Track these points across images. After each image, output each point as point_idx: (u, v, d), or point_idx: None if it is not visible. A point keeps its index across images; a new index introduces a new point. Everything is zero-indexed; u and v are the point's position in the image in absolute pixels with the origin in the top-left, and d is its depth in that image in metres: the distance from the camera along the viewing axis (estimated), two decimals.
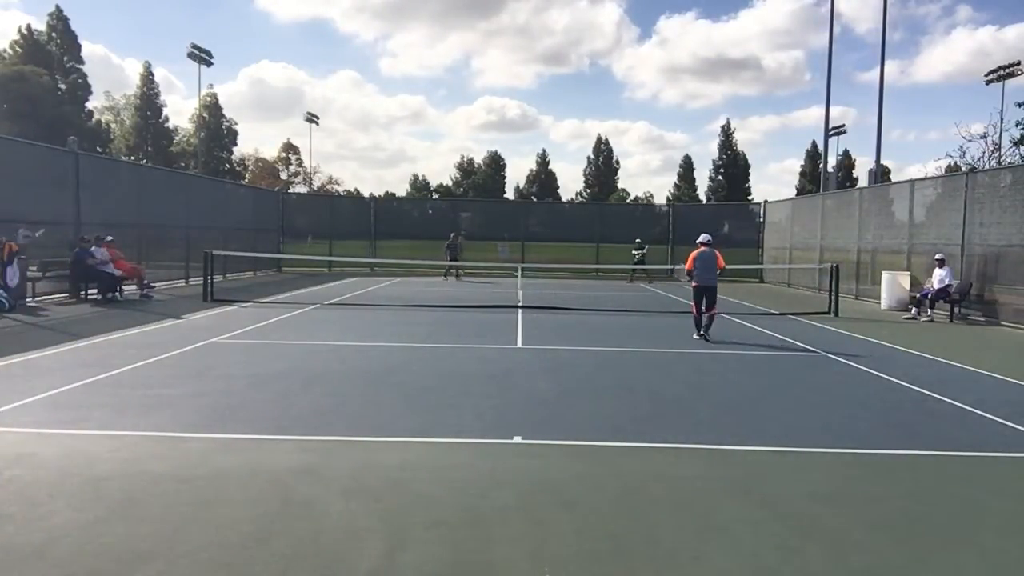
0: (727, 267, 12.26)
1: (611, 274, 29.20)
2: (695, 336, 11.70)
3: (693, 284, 11.89)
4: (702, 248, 11.88)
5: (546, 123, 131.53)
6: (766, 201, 30.98)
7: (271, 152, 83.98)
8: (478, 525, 4.11)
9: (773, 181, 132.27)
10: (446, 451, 5.52)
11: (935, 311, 15.71)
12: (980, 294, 15.54)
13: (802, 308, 17.10)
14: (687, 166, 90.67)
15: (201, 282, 16.78)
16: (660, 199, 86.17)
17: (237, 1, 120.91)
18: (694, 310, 11.85)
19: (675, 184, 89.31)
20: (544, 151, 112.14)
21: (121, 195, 18.83)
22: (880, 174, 30.91)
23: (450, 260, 25.72)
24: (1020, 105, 31.14)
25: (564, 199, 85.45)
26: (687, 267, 11.96)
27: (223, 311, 14.32)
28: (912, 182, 19.13)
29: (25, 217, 14.87)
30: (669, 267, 28.62)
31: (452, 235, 26.09)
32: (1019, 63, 41.86)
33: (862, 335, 12.72)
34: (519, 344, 11.06)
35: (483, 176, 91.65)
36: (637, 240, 28.13)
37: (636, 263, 27.12)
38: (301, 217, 33.93)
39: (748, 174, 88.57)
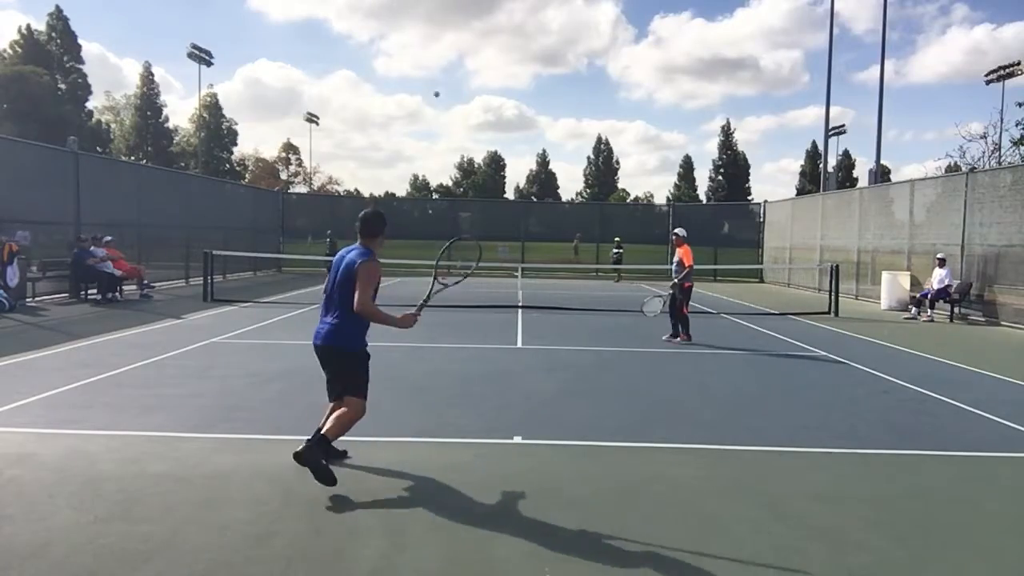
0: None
1: (610, 274, 29.19)
2: (679, 339, 11.24)
3: (687, 284, 11.27)
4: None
5: (543, 123, 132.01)
6: (766, 201, 31.00)
7: (271, 152, 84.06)
8: (478, 525, 4.11)
9: (770, 181, 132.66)
10: (446, 451, 5.52)
11: (935, 311, 15.72)
12: (980, 294, 15.54)
13: (802, 308, 17.09)
14: (687, 166, 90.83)
15: (201, 282, 16.78)
16: (659, 199, 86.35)
17: (230, 1, 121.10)
18: (687, 309, 11.33)
19: (675, 184, 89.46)
20: (544, 151, 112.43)
21: (121, 195, 18.83)
22: (880, 174, 30.89)
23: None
24: (1020, 105, 31.12)
25: (564, 199, 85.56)
26: (689, 263, 11.17)
27: (223, 311, 14.32)
28: (912, 182, 19.13)
29: (25, 217, 14.88)
30: (653, 267, 28.44)
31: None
32: (1019, 63, 41.84)
33: (862, 335, 12.72)
34: (519, 344, 11.06)
35: (483, 176, 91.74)
36: (616, 239, 28.20)
37: (614, 262, 27.21)
38: (301, 217, 33.90)
39: (748, 174, 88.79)
